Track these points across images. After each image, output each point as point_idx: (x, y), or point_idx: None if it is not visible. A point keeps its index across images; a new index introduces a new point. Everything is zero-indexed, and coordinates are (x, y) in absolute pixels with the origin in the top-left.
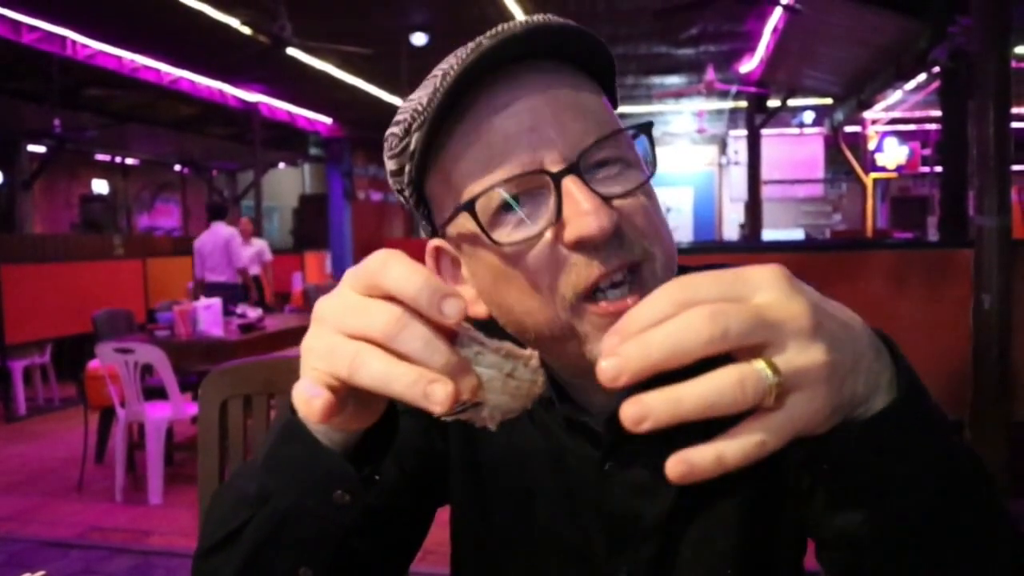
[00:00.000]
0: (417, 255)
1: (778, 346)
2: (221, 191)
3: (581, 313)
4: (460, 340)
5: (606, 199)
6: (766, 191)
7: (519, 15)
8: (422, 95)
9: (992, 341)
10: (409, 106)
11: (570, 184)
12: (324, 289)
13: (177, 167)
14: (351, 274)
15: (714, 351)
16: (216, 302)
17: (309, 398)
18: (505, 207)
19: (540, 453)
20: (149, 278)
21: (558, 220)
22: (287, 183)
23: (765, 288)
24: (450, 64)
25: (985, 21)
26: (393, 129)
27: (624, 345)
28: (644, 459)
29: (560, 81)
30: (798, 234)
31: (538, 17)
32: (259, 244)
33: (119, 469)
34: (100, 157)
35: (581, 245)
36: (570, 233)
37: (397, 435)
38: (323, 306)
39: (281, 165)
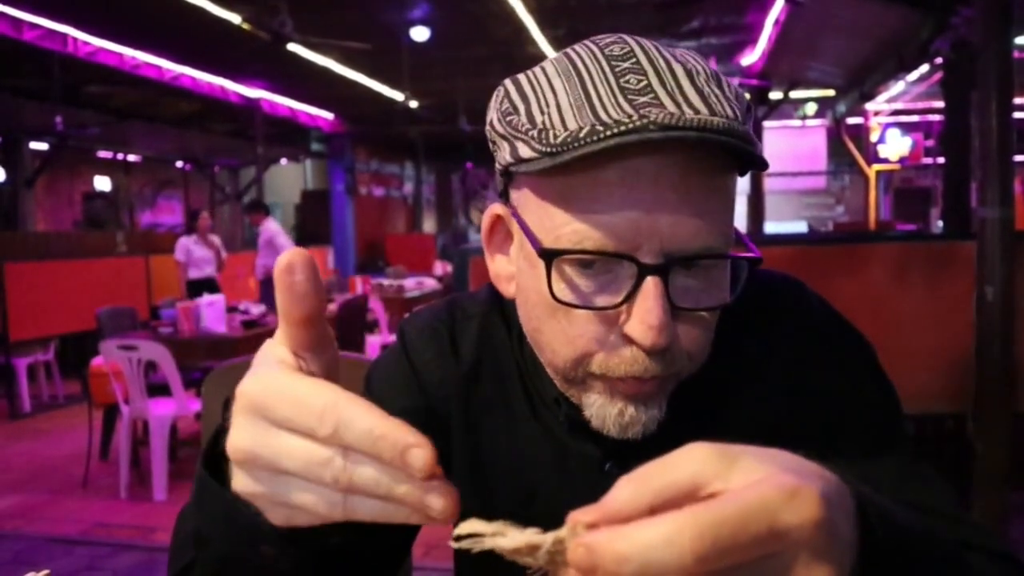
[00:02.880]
0: (417, 249)
1: None
2: (223, 187)
3: (598, 376)
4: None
5: (676, 308)
6: (768, 183)
7: (520, 11)
8: (559, 101)
9: (995, 333)
10: (542, 99)
11: (652, 284)
12: (326, 285)
13: (179, 164)
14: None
15: None
16: (220, 298)
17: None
18: (581, 264)
19: (543, 453)
20: (152, 275)
21: (622, 306)
22: (289, 179)
23: (797, 549)
24: (612, 104)
25: (987, 11)
26: (514, 97)
27: None
28: (645, 459)
29: (700, 176)
30: (801, 226)
31: (716, 119)
32: (219, 241)
33: (123, 466)
34: (102, 154)
35: (632, 343)
36: (627, 330)
37: None
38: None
39: (283, 161)
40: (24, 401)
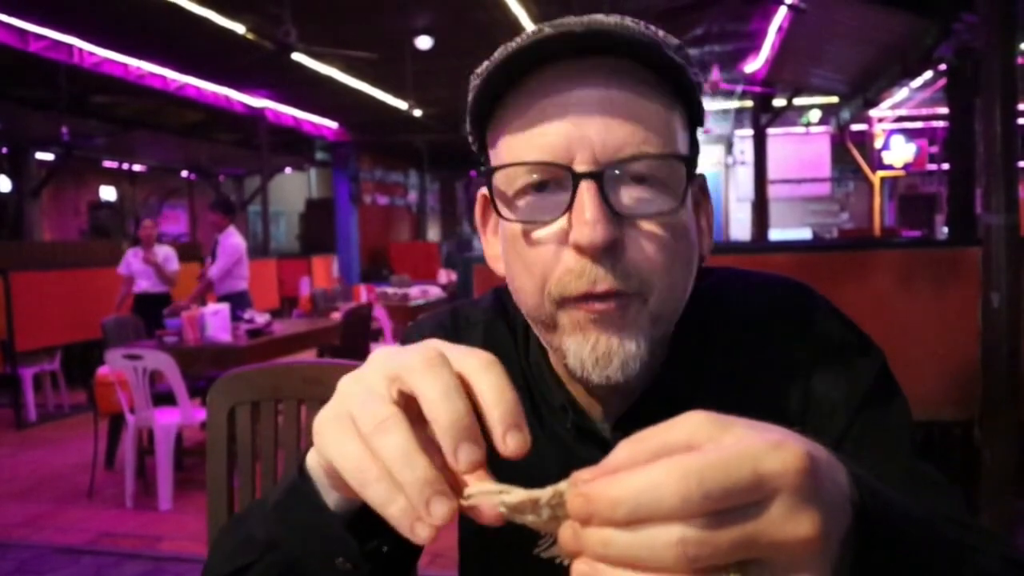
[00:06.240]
0: (422, 258)
1: (761, 566)
2: (228, 196)
3: (564, 306)
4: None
5: (618, 215)
6: (773, 191)
7: (524, 19)
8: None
9: (1001, 340)
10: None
11: (585, 188)
12: (331, 293)
13: (184, 173)
14: (387, 355)
15: None
16: (224, 307)
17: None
18: (531, 185)
19: (549, 460)
20: None
21: (564, 216)
22: (293, 188)
23: (781, 494)
24: (525, 34)
25: (991, 18)
26: (477, 69)
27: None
28: None
29: (623, 83)
30: (805, 233)
31: (608, 18)
32: (165, 251)
33: (129, 475)
34: (107, 164)
35: (577, 250)
36: (570, 237)
37: None
38: (344, 383)
39: (287, 170)
40: (30, 410)
